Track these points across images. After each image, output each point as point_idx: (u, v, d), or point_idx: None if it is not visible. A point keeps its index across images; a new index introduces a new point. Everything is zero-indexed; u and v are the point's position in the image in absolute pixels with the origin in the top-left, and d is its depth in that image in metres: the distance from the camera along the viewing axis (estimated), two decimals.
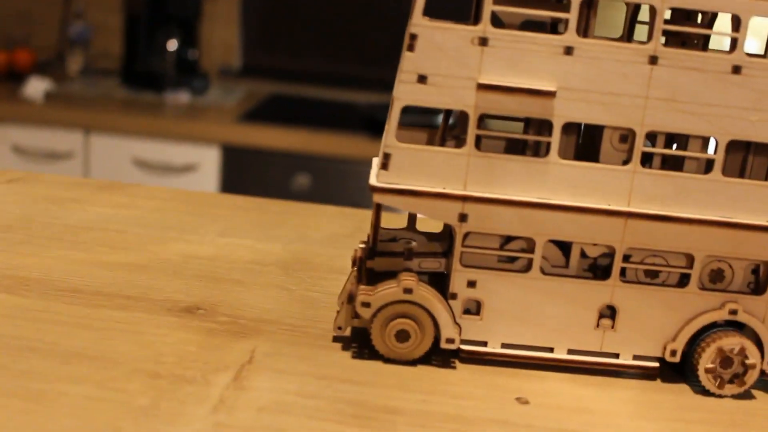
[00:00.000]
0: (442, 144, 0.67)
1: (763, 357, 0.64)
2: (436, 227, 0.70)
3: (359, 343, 0.66)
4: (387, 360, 0.64)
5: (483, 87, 0.61)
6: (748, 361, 0.64)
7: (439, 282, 0.66)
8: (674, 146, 0.65)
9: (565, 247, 0.65)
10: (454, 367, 0.65)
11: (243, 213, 0.98)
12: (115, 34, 2.85)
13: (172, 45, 2.68)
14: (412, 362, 0.64)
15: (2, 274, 0.73)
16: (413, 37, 0.61)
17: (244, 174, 2.49)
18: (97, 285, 0.73)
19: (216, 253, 0.84)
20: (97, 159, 2.48)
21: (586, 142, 0.66)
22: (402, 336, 0.63)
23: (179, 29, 2.71)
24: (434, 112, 0.63)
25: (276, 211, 0.99)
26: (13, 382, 0.56)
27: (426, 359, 0.65)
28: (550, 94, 0.61)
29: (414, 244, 0.68)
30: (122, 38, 2.74)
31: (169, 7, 2.70)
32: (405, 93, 0.61)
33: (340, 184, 2.45)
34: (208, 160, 2.47)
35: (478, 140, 0.62)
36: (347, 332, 0.66)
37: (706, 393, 0.64)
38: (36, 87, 2.52)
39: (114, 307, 0.69)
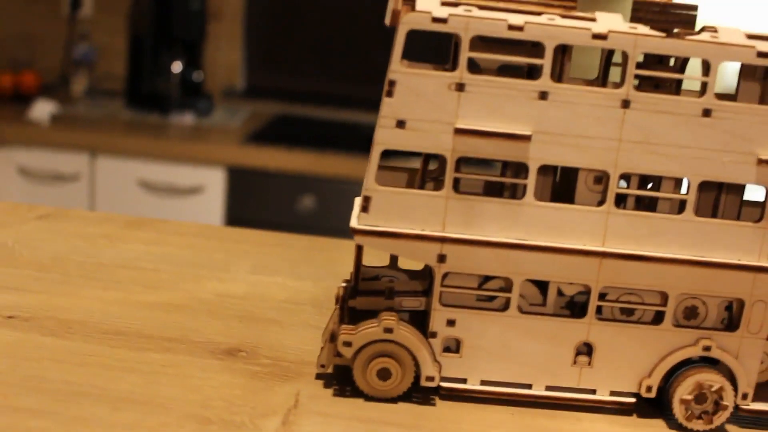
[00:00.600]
0: (422, 186, 0.69)
1: (736, 393, 0.65)
2: (418, 264, 0.72)
3: (341, 379, 0.68)
4: (368, 398, 0.65)
5: (460, 131, 0.62)
6: (722, 402, 0.65)
7: (420, 319, 0.67)
8: (648, 186, 0.66)
9: (542, 285, 0.66)
10: (490, 410, 0.66)
11: (270, 249, 0.99)
12: (119, 55, 2.88)
13: (177, 66, 2.71)
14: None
15: (45, 316, 0.75)
16: (392, 83, 0.62)
17: (249, 195, 2.51)
18: (137, 326, 0.74)
19: (249, 291, 0.85)
20: (102, 181, 2.51)
21: (562, 182, 0.68)
22: (383, 374, 0.65)
23: (183, 51, 2.74)
24: None
25: (302, 247, 1.01)
26: (68, 430, 0.57)
27: (407, 397, 0.66)
28: (526, 138, 0.63)
29: (395, 282, 0.69)
30: (127, 60, 2.77)
31: (174, 28, 2.73)
32: (384, 137, 0.63)
33: (345, 205, 2.45)
34: (214, 182, 2.49)
35: (456, 182, 0.64)
36: (330, 369, 0.68)
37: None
38: (42, 109, 2.55)
39: (157, 350, 0.70)
